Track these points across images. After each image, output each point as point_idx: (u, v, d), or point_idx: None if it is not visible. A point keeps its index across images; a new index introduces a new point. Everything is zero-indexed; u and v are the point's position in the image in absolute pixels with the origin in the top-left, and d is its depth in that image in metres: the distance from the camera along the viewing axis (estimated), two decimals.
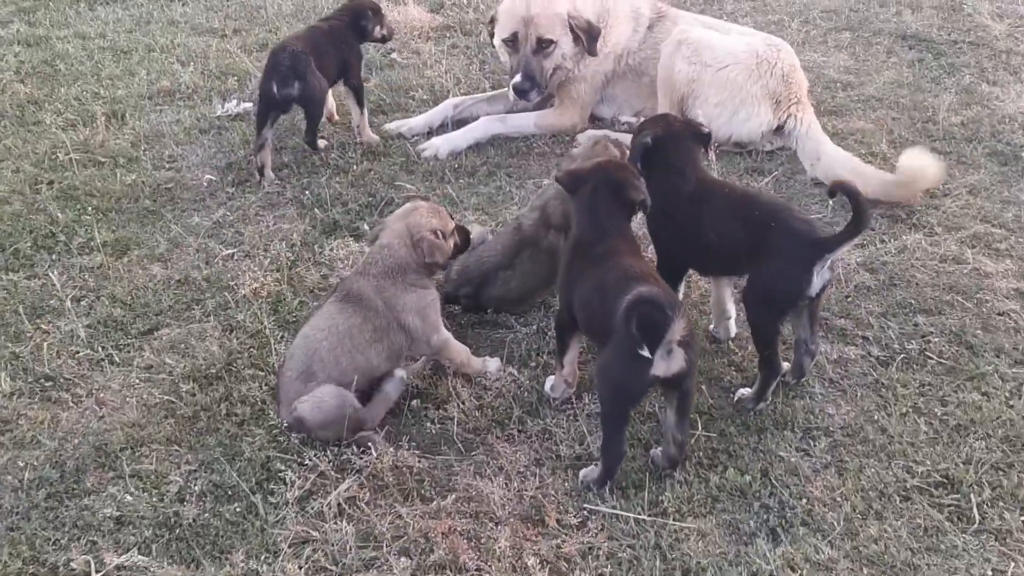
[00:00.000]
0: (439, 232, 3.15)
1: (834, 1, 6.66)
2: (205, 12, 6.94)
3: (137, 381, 3.35)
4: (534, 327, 3.56)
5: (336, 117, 5.18)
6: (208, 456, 3.00)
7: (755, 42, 4.80)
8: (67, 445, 3.08)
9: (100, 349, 3.49)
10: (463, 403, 3.18)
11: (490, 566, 2.61)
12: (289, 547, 2.67)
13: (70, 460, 3.01)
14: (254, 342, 3.51)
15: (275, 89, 4.44)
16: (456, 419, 3.12)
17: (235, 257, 4.05)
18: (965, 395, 3.17)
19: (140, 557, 2.66)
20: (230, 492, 2.87)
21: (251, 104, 5.30)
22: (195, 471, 2.96)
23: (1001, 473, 2.87)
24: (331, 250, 4.05)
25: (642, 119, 4.91)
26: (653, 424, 3.09)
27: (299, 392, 2.96)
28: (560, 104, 5.11)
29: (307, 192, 4.50)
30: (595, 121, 5.19)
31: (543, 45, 4.83)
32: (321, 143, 4.86)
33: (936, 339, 3.43)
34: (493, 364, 3.33)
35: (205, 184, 4.64)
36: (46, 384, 3.35)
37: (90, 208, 4.41)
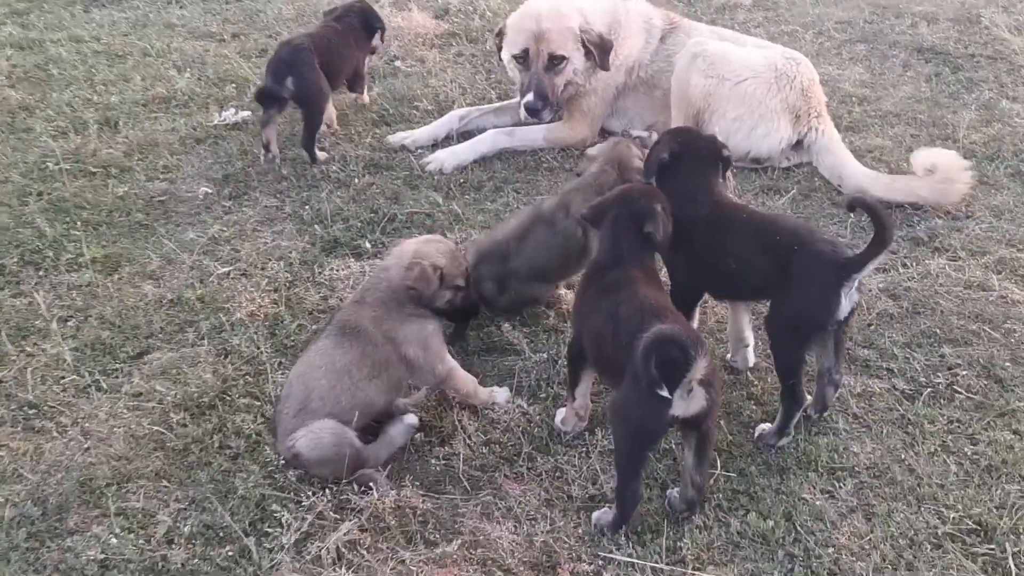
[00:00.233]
0: (439, 270, 3.01)
1: (848, 12, 6.52)
2: (203, 16, 6.77)
3: (125, 410, 3.18)
4: (544, 355, 3.40)
5: (336, 126, 5.02)
6: (199, 493, 2.83)
7: (773, 55, 4.68)
8: (50, 480, 2.90)
9: (87, 374, 3.32)
10: (469, 438, 3.02)
11: None
12: None
13: (53, 496, 2.84)
14: (250, 368, 3.34)
15: (269, 82, 4.47)
16: (462, 455, 2.96)
17: (231, 276, 3.88)
18: (996, 433, 3.03)
19: None
20: (221, 534, 2.70)
21: (249, 113, 5.15)
22: (185, 509, 2.78)
23: None
24: (331, 270, 3.88)
25: (653, 133, 4.80)
26: (670, 462, 2.93)
27: (298, 428, 2.80)
28: (570, 117, 4.95)
29: (307, 207, 4.33)
30: (605, 135, 5.03)
31: (555, 62, 4.68)
32: (321, 155, 4.70)
33: (964, 372, 3.29)
34: (501, 395, 3.17)
35: (201, 197, 4.47)
36: (29, 412, 3.17)
37: (79, 222, 4.23)
